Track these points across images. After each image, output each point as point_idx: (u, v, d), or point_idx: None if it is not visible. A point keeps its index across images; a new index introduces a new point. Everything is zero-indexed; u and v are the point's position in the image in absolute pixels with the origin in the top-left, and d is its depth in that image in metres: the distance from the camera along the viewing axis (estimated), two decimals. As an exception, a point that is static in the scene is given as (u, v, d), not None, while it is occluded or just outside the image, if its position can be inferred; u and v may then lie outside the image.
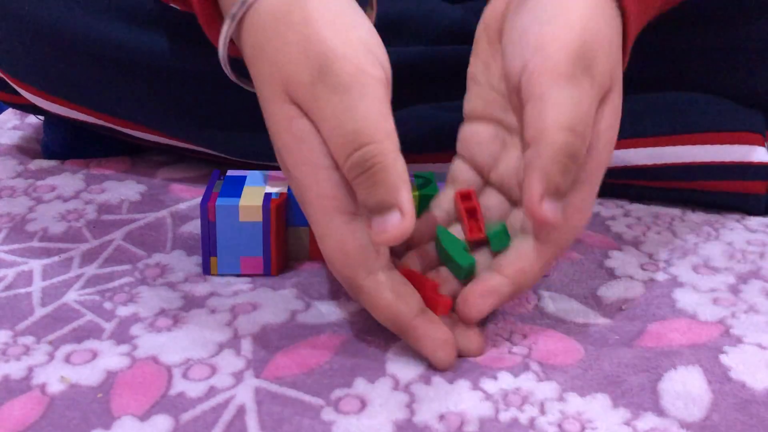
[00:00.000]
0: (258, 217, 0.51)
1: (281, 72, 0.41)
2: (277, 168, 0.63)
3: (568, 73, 0.41)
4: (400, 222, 0.39)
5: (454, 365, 0.44)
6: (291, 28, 0.41)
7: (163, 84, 0.60)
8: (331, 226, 0.41)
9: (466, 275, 0.46)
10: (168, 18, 0.59)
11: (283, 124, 0.42)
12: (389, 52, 0.63)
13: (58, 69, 0.61)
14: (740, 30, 0.62)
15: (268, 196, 0.52)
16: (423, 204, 0.51)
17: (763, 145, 0.62)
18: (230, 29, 0.44)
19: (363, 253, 0.42)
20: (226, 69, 0.47)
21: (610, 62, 0.43)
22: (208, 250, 0.52)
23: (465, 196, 0.48)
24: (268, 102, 0.43)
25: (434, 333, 0.43)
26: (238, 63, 0.47)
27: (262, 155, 0.62)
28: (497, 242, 0.47)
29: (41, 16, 0.59)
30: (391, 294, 0.42)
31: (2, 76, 0.65)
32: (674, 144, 0.62)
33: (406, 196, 0.39)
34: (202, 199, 0.51)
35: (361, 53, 0.40)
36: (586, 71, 0.41)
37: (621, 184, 0.64)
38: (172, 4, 0.56)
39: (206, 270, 0.52)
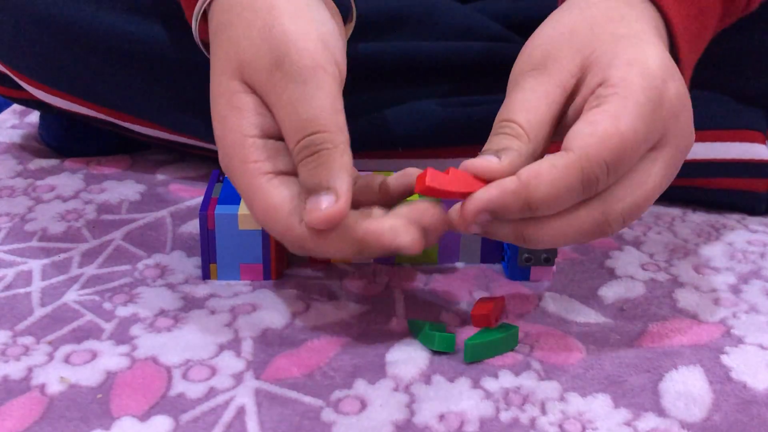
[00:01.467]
0: (257, 225, 0.51)
1: (239, 54, 0.43)
2: None
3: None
4: (334, 203, 0.40)
5: (421, 245, 0.41)
6: (255, 14, 0.43)
7: (163, 75, 0.61)
8: (256, 186, 0.42)
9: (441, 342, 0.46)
10: (167, 8, 0.59)
11: (226, 96, 0.44)
12: (389, 46, 0.63)
13: (59, 61, 0.61)
14: (745, 37, 0.62)
15: None
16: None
17: (763, 143, 0.62)
18: (202, 5, 0.47)
19: (290, 202, 0.42)
20: (199, 44, 0.50)
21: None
22: (208, 257, 0.52)
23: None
24: (218, 76, 0.45)
25: (385, 222, 0.41)
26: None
27: None
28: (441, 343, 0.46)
29: (42, 7, 0.60)
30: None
31: (4, 69, 0.65)
32: None
33: (344, 184, 0.41)
34: (201, 205, 0.51)
35: (319, 48, 0.43)
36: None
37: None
38: None
39: (206, 276, 0.52)
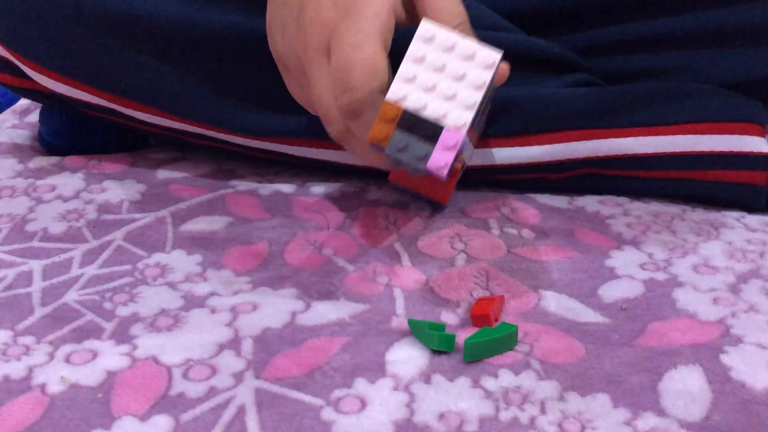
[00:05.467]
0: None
1: None
2: (282, 155, 0.63)
3: None
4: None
5: None
6: None
7: (172, 54, 0.60)
8: (373, 41, 0.47)
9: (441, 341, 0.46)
10: None
11: None
12: None
13: (64, 41, 0.61)
14: (732, 11, 0.62)
15: None
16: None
17: (763, 136, 0.62)
18: None
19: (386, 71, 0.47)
20: None
21: None
22: None
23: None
24: None
25: None
26: None
27: (268, 132, 0.62)
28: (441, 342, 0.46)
29: None
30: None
31: (8, 55, 0.64)
32: (674, 133, 0.62)
33: None
34: None
35: None
36: None
37: (620, 176, 0.64)
38: None
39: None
